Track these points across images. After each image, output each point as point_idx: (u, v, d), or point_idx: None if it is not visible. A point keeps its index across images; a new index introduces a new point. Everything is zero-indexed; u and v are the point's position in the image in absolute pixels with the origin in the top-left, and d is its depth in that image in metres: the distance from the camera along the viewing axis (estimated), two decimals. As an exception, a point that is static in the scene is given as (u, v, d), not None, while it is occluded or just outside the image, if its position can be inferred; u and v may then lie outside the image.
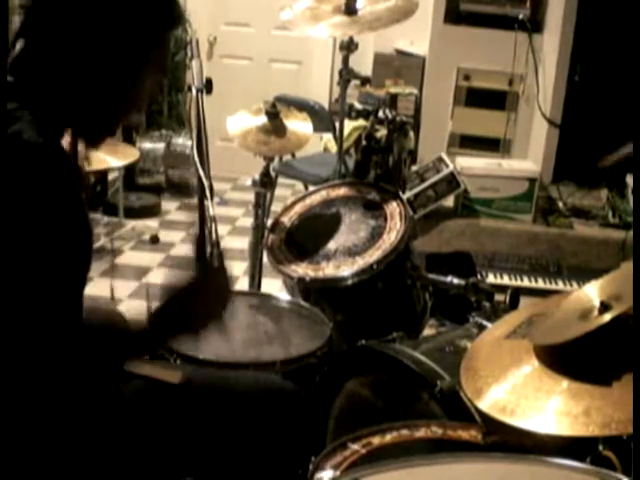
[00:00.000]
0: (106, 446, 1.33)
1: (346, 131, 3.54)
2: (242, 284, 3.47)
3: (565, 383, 1.26)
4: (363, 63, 4.53)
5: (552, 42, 4.21)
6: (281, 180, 4.18)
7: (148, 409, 1.44)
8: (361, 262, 2.30)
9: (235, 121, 2.59)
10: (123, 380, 1.45)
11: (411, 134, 4.14)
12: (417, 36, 4.74)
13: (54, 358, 1.17)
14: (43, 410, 1.20)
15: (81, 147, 1.40)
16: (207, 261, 1.52)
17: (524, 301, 2.32)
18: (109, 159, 3.63)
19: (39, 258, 1.13)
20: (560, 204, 3.84)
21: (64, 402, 1.22)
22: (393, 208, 2.47)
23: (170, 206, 5.21)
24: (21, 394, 1.17)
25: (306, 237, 2.47)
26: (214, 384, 1.56)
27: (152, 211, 5.00)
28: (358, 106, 2.95)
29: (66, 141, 1.33)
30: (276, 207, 2.90)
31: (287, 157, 4.26)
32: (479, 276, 3.08)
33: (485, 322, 1.98)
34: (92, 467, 1.30)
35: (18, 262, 1.11)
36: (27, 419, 1.20)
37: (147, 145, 5.27)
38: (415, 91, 4.70)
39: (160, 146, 5.30)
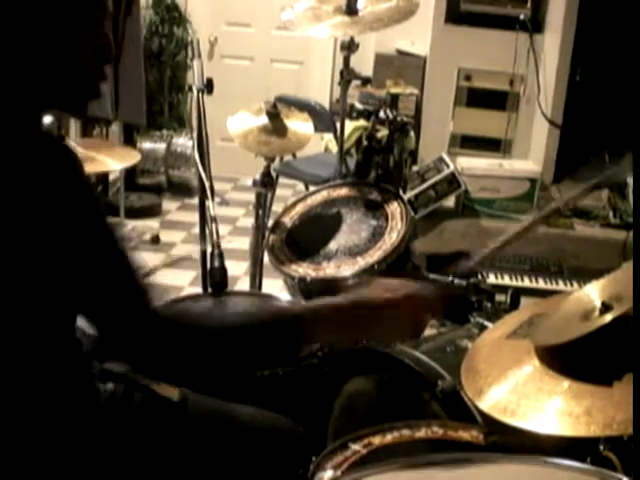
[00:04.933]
0: (99, 457, 1.32)
1: (347, 131, 3.54)
2: (243, 284, 3.47)
3: (566, 383, 1.26)
4: (364, 63, 4.53)
5: (553, 42, 4.21)
6: (282, 180, 4.18)
7: (143, 423, 1.43)
8: (362, 262, 2.29)
9: (236, 121, 2.59)
10: (124, 384, 1.45)
11: (412, 134, 4.15)
12: (418, 36, 4.74)
13: (48, 359, 1.16)
14: (36, 416, 1.20)
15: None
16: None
17: (525, 301, 2.32)
18: (109, 161, 3.63)
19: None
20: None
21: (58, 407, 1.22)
22: (394, 208, 2.47)
23: (171, 206, 5.21)
24: (14, 394, 1.16)
25: (307, 237, 2.47)
26: (212, 408, 1.55)
27: (153, 211, 5.01)
28: (359, 106, 2.95)
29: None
30: (277, 207, 2.90)
31: (288, 157, 4.26)
32: (480, 276, 3.07)
33: (486, 322, 1.98)
34: (85, 476, 1.29)
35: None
36: (20, 423, 1.19)
37: (148, 145, 5.27)
38: (416, 91, 4.70)
39: (161, 146, 5.30)
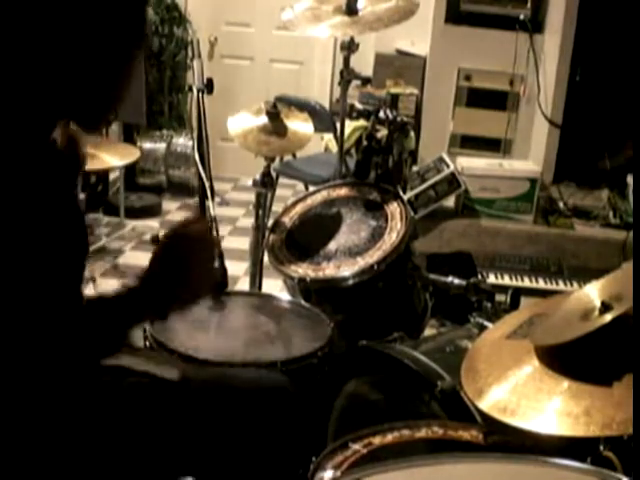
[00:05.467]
0: (104, 443, 1.33)
1: (347, 131, 3.55)
2: (243, 284, 3.47)
3: (566, 383, 1.26)
4: (364, 63, 4.53)
5: (553, 42, 4.22)
6: (282, 180, 4.18)
7: (146, 406, 1.44)
8: (362, 262, 2.29)
9: (236, 121, 2.59)
10: (120, 375, 1.45)
11: (412, 134, 4.15)
12: (418, 36, 4.74)
13: (50, 349, 1.16)
14: (37, 403, 1.20)
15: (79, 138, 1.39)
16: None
17: (525, 301, 2.33)
18: (110, 159, 3.64)
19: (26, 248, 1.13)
20: (561, 204, 3.84)
21: (59, 394, 1.22)
22: (394, 208, 2.47)
23: (171, 206, 5.21)
24: (16, 385, 1.16)
25: (307, 237, 2.47)
26: (213, 382, 1.56)
27: (153, 211, 5.00)
28: (359, 106, 2.95)
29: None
30: (277, 207, 2.90)
31: (288, 157, 4.26)
32: (480, 276, 3.08)
33: (486, 322, 1.98)
34: (89, 465, 1.30)
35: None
36: (22, 412, 1.20)
37: (148, 145, 5.27)
38: (416, 91, 4.70)
39: (161, 146, 5.30)
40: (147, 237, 4.54)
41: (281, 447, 1.51)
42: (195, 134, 2.28)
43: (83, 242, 1.31)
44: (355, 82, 2.90)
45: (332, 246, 2.39)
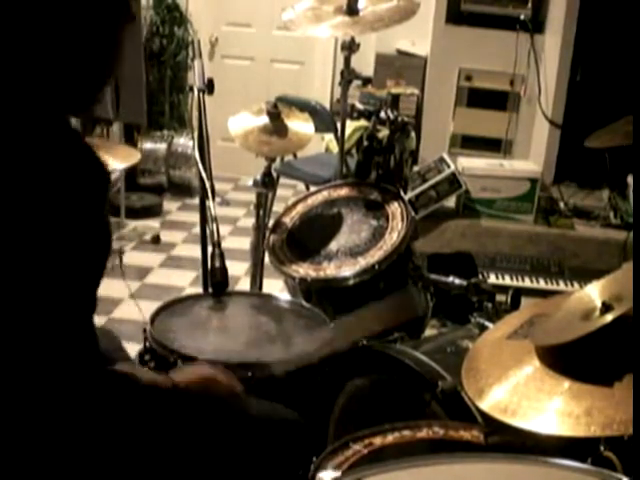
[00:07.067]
0: (101, 450, 1.32)
1: (347, 131, 3.54)
2: (244, 284, 3.47)
3: (566, 383, 1.26)
4: (364, 63, 4.53)
5: (554, 42, 4.22)
6: (282, 180, 4.18)
7: (149, 410, 1.43)
8: (363, 262, 2.29)
9: (236, 121, 2.59)
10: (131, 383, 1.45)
11: (413, 134, 4.15)
12: (419, 36, 4.75)
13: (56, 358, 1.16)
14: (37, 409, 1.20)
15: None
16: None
17: (525, 301, 2.32)
18: (110, 161, 3.63)
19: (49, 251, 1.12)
20: (561, 204, 3.84)
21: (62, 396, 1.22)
22: (395, 208, 2.47)
23: (171, 206, 5.21)
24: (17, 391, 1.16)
25: (308, 237, 2.47)
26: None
27: (153, 211, 5.01)
28: (359, 106, 2.95)
29: None
30: (277, 207, 2.90)
31: (289, 157, 4.26)
32: (480, 276, 3.07)
33: (486, 322, 1.98)
34: (90, 469, 1.29)
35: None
36: (21, 417, 1.19)
37: (149, 145, 5.27)
38: (416, 91, 4.70)
39: (162, 146, 5.30)
40: (147, 237, 4.55)
41: (282, 447, 1.51)
42: (196, 134, 2.28)
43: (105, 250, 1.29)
44: (356, 82, 2.90)
45: (333, 246, 2.39)
